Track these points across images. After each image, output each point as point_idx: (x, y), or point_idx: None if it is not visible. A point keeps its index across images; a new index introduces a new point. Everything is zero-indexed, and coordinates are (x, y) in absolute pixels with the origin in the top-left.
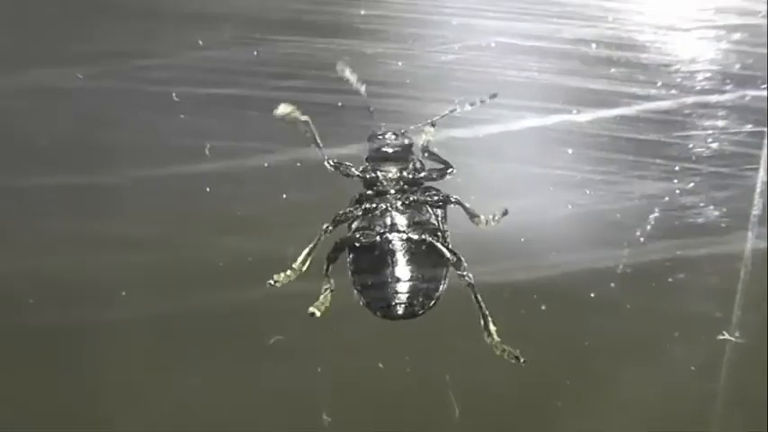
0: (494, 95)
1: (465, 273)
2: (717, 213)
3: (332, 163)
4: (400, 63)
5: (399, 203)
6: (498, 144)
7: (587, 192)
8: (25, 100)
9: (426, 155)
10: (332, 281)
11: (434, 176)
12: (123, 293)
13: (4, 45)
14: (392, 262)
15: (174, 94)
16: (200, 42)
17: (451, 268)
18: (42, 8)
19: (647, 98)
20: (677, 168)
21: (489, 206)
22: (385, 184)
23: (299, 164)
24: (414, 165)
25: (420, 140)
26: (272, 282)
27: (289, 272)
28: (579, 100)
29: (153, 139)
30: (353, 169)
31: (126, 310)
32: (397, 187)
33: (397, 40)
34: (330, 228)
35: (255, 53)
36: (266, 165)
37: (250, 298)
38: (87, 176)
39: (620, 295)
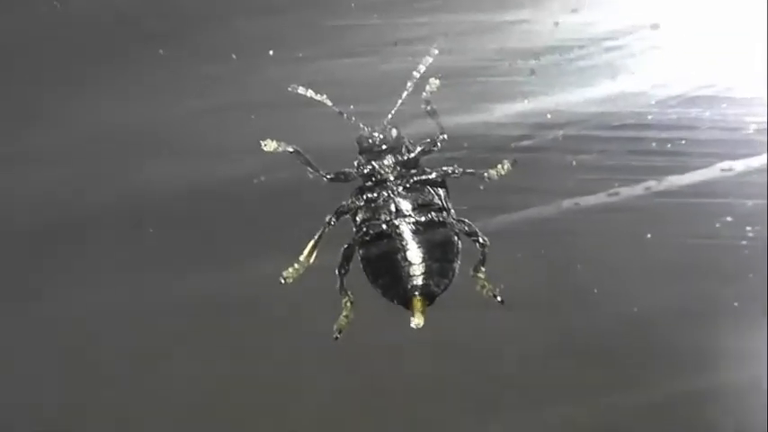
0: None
1: (479, 236)
2: None
3: (329, 177)
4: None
5: (401, 188)
6: None
7: None
8: None
9: (429, 108)
10: (349, 293)
11: (428, 149)
12: None
13: None
14: (402, 247)
15: None
16: None
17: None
18: None
19: None
20: None
21: None
22: (383, 173)
23: None
24: (405, 147)
25: (423, 93)
26: (283, 278)
27: (296, 265)
28: None
29: None
30: (351, 171)
31: None
32: (395, 173)
33: None
34: (333, 220)
35: None
36: None
37: None
38: None
39: None
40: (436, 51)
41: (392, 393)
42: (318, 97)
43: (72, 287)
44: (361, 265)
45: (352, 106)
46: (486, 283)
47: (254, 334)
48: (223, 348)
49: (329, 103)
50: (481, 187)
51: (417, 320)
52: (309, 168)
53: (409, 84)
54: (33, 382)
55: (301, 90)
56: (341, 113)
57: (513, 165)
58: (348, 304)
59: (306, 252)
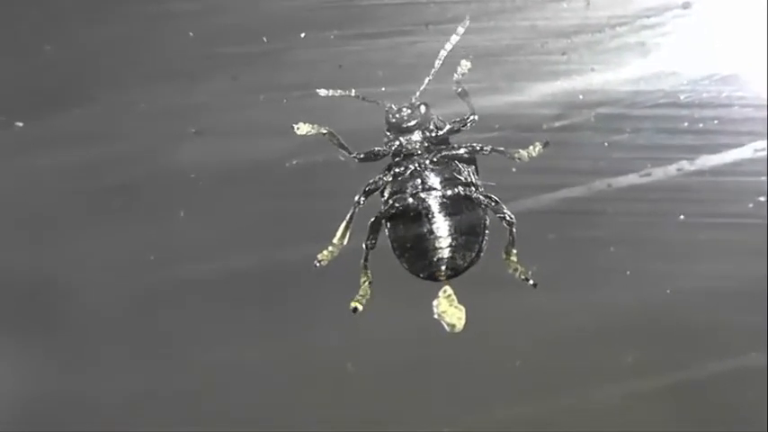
0: None
1: (505, 213)
2: None
3: (360, 156)
4: None
5: (428, 162)
6: None
7: None
8: None
9: (460, 90)
10: (369, 272)
11: (457, 128)
12: None
13: None
14: (429, 220)
15: None
16: None
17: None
18: None
19: None
20: None
21: None
22: (410, 148)
23: None
24: (434, 124)
25: (455, 75)
26: (318, 261)
27: (330, 248)
28: None
29: None
30: (380, 149)
31: None
32: (424, 147)
33: None
34: (363, 199)
35: None
36: None
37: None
38: None
39: None
40: (462, 30)
41: (420, 373)
42: (345, 93)
43: (100, 269)
44: (389, 239)
45: (383, 88)
46: (518, 266)
47: (286, 316)
48: (250, 331)
49: (353, 94)
50: (513, 169)
51: (453, 323)
52: (342, 150)
53: (437, 62)
54: None
55: (323, 93)
56: (374, 102)
57: (544, 146)
58: (366, 283)
59: (339, 234)
